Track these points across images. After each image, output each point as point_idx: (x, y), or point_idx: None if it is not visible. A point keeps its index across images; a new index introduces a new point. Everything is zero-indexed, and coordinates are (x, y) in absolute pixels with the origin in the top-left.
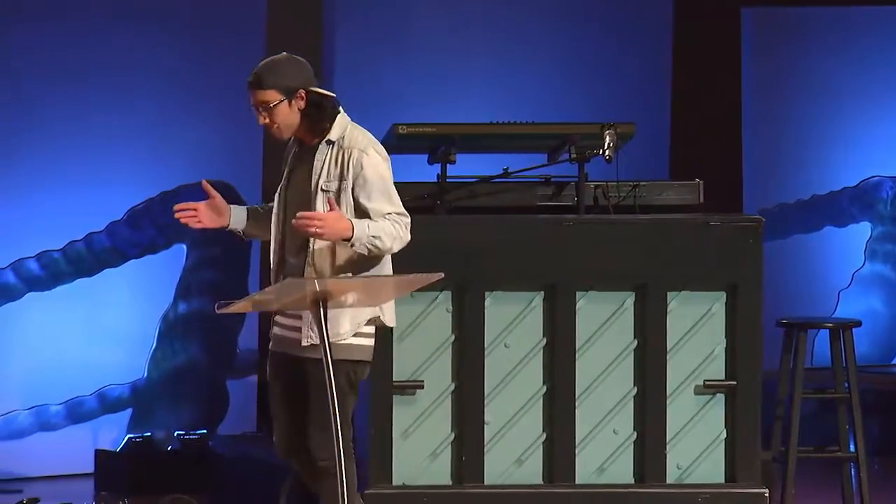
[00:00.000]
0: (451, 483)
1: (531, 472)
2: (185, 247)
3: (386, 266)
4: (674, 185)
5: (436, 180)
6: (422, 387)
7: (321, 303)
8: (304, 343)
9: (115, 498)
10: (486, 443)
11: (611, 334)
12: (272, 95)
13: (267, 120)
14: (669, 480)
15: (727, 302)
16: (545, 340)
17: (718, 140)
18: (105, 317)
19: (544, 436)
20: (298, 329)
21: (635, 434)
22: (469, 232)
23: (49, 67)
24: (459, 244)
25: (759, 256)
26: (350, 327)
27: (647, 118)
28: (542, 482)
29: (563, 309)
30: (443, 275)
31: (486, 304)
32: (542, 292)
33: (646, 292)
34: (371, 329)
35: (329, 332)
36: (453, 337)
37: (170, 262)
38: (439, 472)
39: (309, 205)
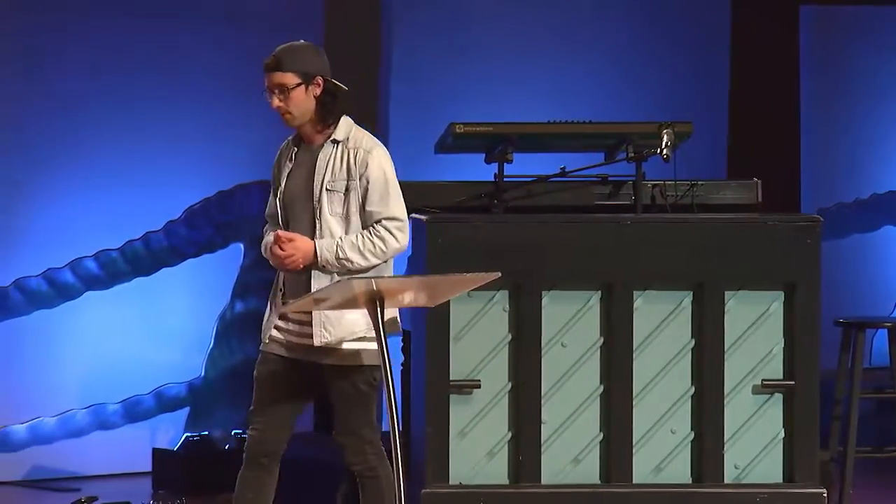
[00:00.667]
0: (507, 482)
1: (588, 471)
2: (242, 246)
3: (385, 270)
4: (731, 185)
5: (493, 180)
6: (478, 386)
7: (378, 302)
8: (317, 343)
9: (173, 497)
10: (542, 442)
11: (668, 334)
12: (290, 79)
13: (281, 104)
14: (727, 480)
15: (785, 301)
16: (602, 340)
17: (776, 139)
18: (162, 316)
19: (601, 435)
20: (308, 335)
21: (693, 434)
22: (526, 231)
23: (107, 66)
24: (516, 243)
25: (817, 256)
26: (365, 326)
27: (704, 117)
28: (598, 482)
29: (621, 308)
30: (500, 274)
31: (543, 303)
32: (600, 291)
33: (703, 292)
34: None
35: (344, 331)
36: (510, 336)
37: (227, 261)
38: (496, 472)
39: (311, 205)
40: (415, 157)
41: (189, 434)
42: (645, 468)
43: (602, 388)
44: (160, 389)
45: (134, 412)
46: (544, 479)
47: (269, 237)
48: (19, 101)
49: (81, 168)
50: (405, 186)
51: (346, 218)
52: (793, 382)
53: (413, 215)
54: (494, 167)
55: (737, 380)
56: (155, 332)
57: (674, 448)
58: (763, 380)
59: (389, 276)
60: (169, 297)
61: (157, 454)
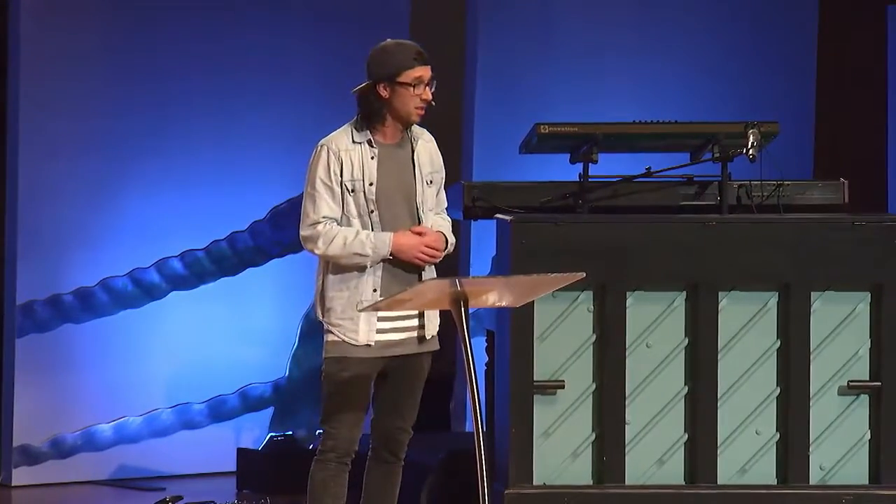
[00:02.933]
0: (591, 483)
1: (672, 472)
2: None
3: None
4: (818, 185)
5: (578, 180)
6: (563, 386)
7: (462, 302)
8: (428, 336)
9: (257, 496)
10: (627, 443)
11: (753, 334)
12: None
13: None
14: (812, 482)
15: (872, 302)
16: (687, 340)
17: (864, 139)
18: (247, 316)
19: (686, 436)
20: (412, 328)
21: (778, 435)
22: (611, 231)
23: (197, 67)
24: (601, 244)
25: None
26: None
27: (791, 117)
28: (683, 483)
29: (706, 309)
30: (584, 274)
31: (627, 303)
32: (685, 292)
33: (789, 292)
34: None
35: (437, 323)
36: (594, 336)
37: (312, 261)
38: (580, 472)
39: (413, 200)
40: (500, 158)
41: (273, 434)
42: (730, 469)
43: (687, 388)
44: (245, 389)
45: (219, 412)
46: (628, 480)
47: (379, 234)
48: (108, 100)
49: (168, 168)
50: (491, 187)
51: (432, 209)
52: (879, 384)
53: (498, 216)
54: (579, 167)
55: (822, 381)
56: (240, 332)
57: (759, 449)
58: (849, 381)
59: (474, 277)
60: (254, 297)
61: (242, 454)
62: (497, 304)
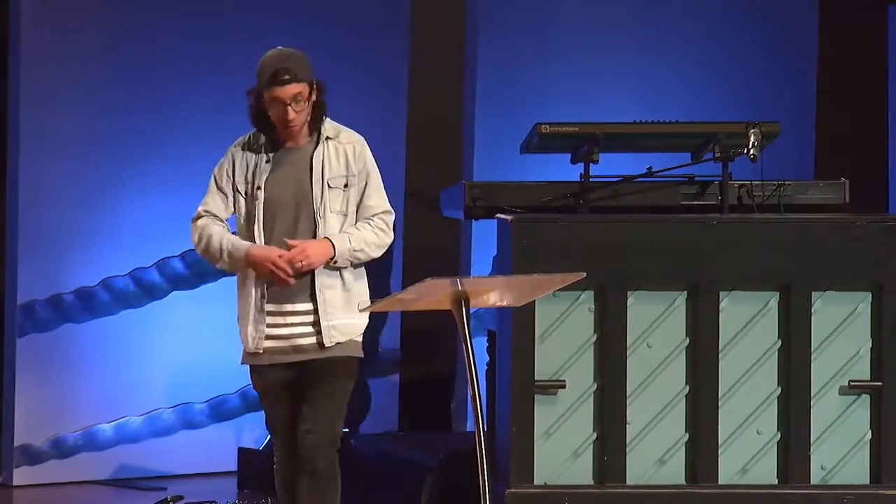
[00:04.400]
0: (592, 483)
1: (673, 472)
2: None
3: (362, 275)
4: (819, 185)
5: (579, 179)
6: (563, 386)
7: (463, 302)
8: (329, 342)
9: (258, 496)
10: (627, 443)
11: (754, 334)
12: (304, 88)
13: (297, 114)
14: (813, 481)
15: (872, 302)
16: (688, 340)
17: (864, 139)
18: None
19: (687, 436)
20: (308, 335)
21: (779, 435)
22: (612, 231)
23: (193, 67)
24: (602, 243)
25: None
26: (359, 325)
27: (792, 117)
28: (684, 482)
29: (707, 309)
30: (585, 274)
31: (628, 303)
32: (685, 292)
33: (790, 292)
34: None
35: (348, 332)
36: (595, 336)
37: None
38: (581, 472)
39: (309, 204)
40: (500, 158)
41: None
42: (731, 469)
43: (688, 388)
44: (246, 389)
45: (220, 412)
46: (629, 480)
47: (238, 243)
48: (108, 100)
49: (168, 168)
50: (492, 186)
51: (345, 214)
52: (880, 383)
53: (498, 215)
54: (580, 167)
55: (823, 381)
56: None
57: (760, 449)
58: (850, 381)
59: (475, 276)
60: None
61: (243, 454)
62: (498, 304)
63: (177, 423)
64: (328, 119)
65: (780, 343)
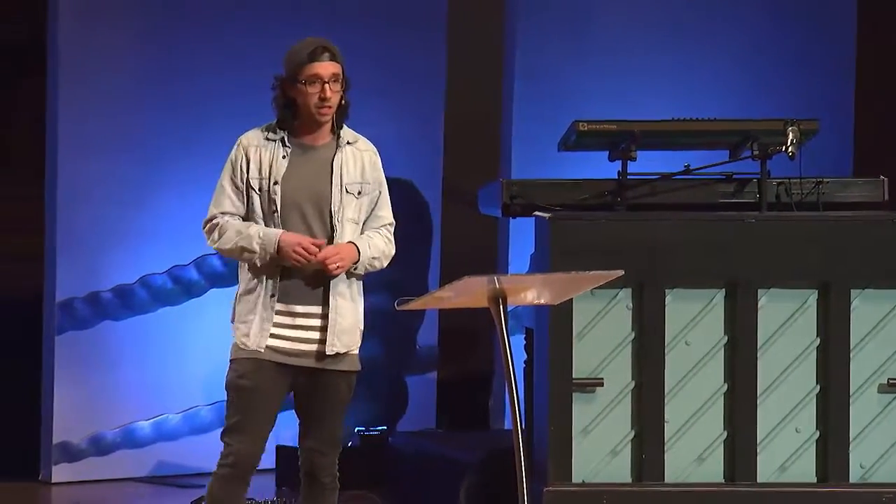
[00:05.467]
0: (630, 481)
1: (712, 470)
2: None
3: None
4: (858, 182)
5: (616, 177)
6: (601, 384)
7: (500, 300)
8: (330, 351)
9: (295, 493)
10: (666, 441)
11: (793, 332)
12: (340, 70)
13: (333, 95)
14: (852, 480)
15: None
16: (726, 338)
17: None
18: None
19: (725, 434)
20: (311, 341)
21: (818, 433)
22: (650, 229)
23: (230, 65)
24: (640, 241)
25: None
26: (358, 336)
27: (830, 114)
28: (722, 481)
29: (745, 306)
30: (623, 272)
31: (666, 301)
32: (724, 290)
33: (829, 290)
34: None
35: (349, 343)
36: (633, 334)
37: None
38: (619, 470)
39: (327, 207)
40: (538, 155)
41: None
42: (769, 467)
43: (726, 386)
44: None
45: None
46: (667, 478)
47: (269, 228)
48: (145, 99)
49: (206, 165)
50: (530, 184)
51: (356, 223)
52: None
53: (536, 213)
54: (618, 165)
55: (862, 378)
56: None
57: (798, 447)
58: (889, 378)
59: (513, 274)
60: None
61: (281, 451)
62: (536, 302)
63: (215, 420)
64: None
65: (818, 341)
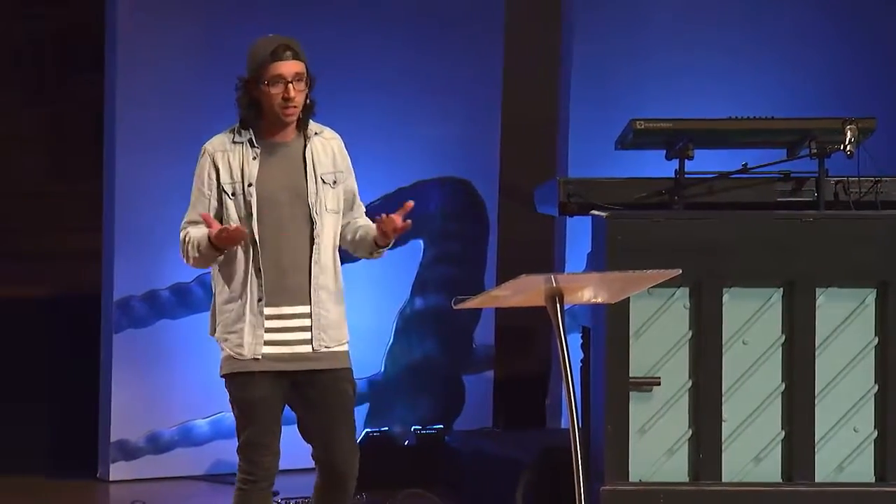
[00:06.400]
0: (687, 480)
1: (769, 469)
2: (422, 242)
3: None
4: None
5: (673, 176)
6: (658, 383)
7: (557, 298)
8: (318, 347)
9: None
10: (723, 440)
11: (851, 331)
12: (303, 68)
13: (297, 95)
14: None
15: None
16: (784, 337)
17: None
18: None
19: (783, 433)
20: (304, 342)
21: (876, 433)
22: (707, 228)
23: None
24: (697, 240)
25: None
26: (345, 331)
27: (888, 112)
28: (780, 480)
29: (803, 305)
30: (680, 271)
31: (723, 300)
32: (782, 289)
33: (887, 289)
34: None
35: (337, 338)
36: (690, 333)
37: (407, 258)
38: (676, 469)
39: (304, 200)
40: (595, 154)
41: (369, 430)
42: (827, 467)
43: (784, 385)
44: None
45: None
46: (725, 478)
47: (201, 229)
48: (204, 97)
49: None
50: (586, 183)
51: (336, 212)
52: None
53: (593, 212)
54: (675, 164)
55: None
56: None
57: (857, 447)
58: None
59: (569, 273)
60: (349, 294)
61: None
62: (592, 301)
63: None
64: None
65: (876, 340)
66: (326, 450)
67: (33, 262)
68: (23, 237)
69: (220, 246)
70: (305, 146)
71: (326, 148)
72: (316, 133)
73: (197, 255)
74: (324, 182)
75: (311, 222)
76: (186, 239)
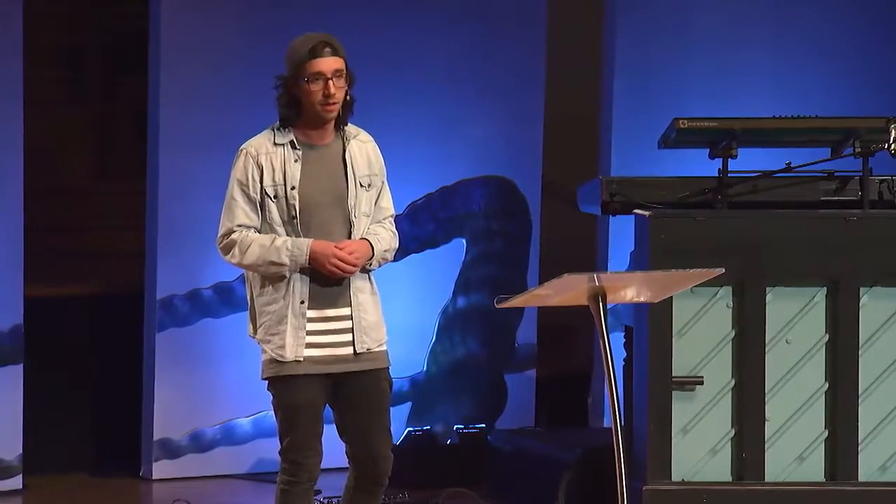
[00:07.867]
0: (730, 480)
1: (812, 469)
2: (464, 241)
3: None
4: None
5: (717, 175)
6: (701, 382)
7: (600, 298)
8: (360, 349)
9: (395, 491)
10: (766, 439)
11: (894, 330)
12: (343, 65)
13: (337, 91)
14: None
15: None
16: (827, 336)
17: None
18: (385, 311)
19: (826, 433)
20: (346, 344)
21: None
22: (750, 227)
23: None
24: (741, 239)
25: None
26: (384, 330)
27: None
28: (823, 480)
29: (847, 305)
30: (723, 270)
31: (767, 299)
32: (825, 288)
33: None
34: None
35: (377, 338)
36: (734, 332)
37: (449, 257)
38: (719, 469)
39: (344, 203)
40: (638, 153)
41: (411, 429)
42: (871, 466)
43: (827, 385)
44: None
45: None
46: (768, 477)
47: (297, 238)
48: (246, 94)
49: None
50: (629, 182)
51: (368, 215)
52: None
53: (636, 211)
54: (718, 162)
55: None
56: None
57: None
58: None
59: (612, 272)
60: (392, 293)
61: None
62: (635, 300)
63: None
64: None
65: None
66: (363, 448)
67: (78, 260)
68: (67, 236)
69: (317, 267)
70: (345, 149)
71: (363, 150)
72: (352, 136)
73: (274, 262)
74: (361, 186)
75: (350, 224)
76: (250, 240)
